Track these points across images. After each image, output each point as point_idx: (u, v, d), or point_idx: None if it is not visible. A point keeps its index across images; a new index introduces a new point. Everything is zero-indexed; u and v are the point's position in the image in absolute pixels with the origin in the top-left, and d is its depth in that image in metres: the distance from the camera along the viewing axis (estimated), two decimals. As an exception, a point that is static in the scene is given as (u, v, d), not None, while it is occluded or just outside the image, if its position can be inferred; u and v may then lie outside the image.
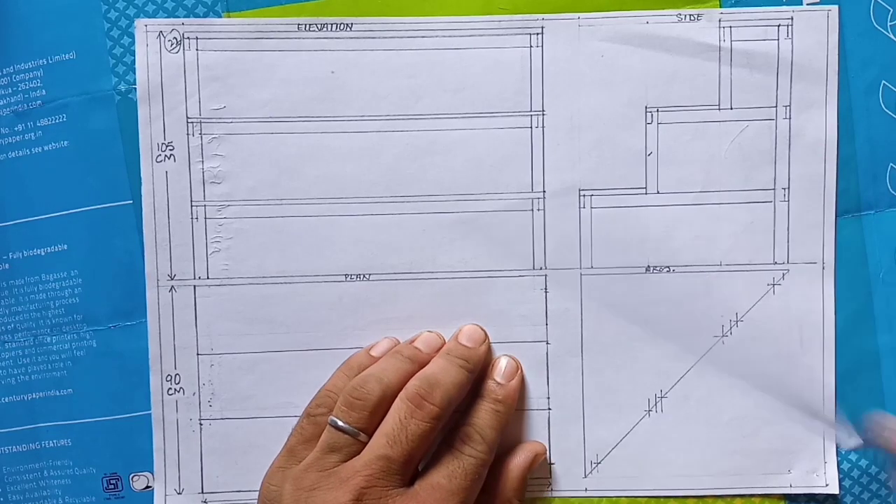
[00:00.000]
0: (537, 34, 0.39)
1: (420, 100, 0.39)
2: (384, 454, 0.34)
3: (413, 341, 0.39)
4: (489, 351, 0.39)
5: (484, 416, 0.37)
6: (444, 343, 0.39)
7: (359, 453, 0.34)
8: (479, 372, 0.38)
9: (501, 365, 0.39)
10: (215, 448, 0.39)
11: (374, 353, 0.38)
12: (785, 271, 0.39)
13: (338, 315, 0.39)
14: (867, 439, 0.38)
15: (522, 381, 0.39)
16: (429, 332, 0.39)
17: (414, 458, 0.35)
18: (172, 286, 0.39)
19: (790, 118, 0.39)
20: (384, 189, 0.39)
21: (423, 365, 0.37)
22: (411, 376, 0.36)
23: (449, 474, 0.35)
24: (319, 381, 0.38)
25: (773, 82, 0.39)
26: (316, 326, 0.39)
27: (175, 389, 0.39)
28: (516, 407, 0.39)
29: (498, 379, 0.38)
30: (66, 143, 0.39)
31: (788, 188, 0.39)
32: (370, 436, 0.35)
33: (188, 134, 0.39)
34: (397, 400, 0.35)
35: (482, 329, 0.39)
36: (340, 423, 0.35)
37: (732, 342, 0.39)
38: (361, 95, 0.39)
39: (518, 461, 0.38)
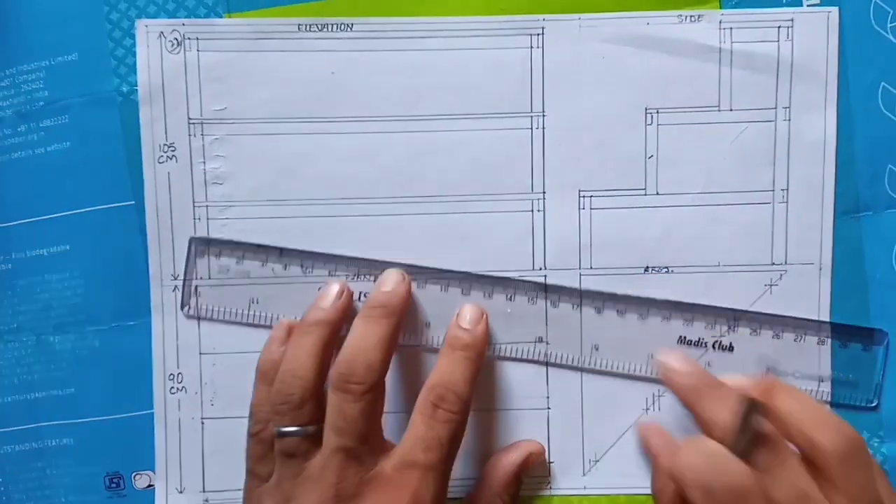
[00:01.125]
0: (538, 35, 0.39)
1: (420, 100, 0.39)
2: (337, 446, 0.33)
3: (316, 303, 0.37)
4: (410, 288, 0.38)
5: (454, 368, 0.35)
6: (349, 293, 0.37)
7: (316, 445, 0.34)
8: (403, 317, 0.37)
9: (465, 312, 0.37)
10: (217, 447, 0.39)
11: (273, 346, 0.37)
12: (783, 272, 0.39)
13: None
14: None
15: (488, 328, 0.38)
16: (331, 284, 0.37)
17: (369, 433, 0.33)
18: (175, 286, 0.39)
19: (790, 120, 0.39)
20: (385, 190, 0.39)
21: (334, 324, 0.36)
22: (327, 343, 0.35)
23: (425, 448, 0.33)
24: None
25: (772, 84, 0.39)
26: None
27: (177, 388, 0.40)
28: (515, 406, 0.39)
29: (464, 325, 0.37)
30: (68, 143, 0.39)
31: (787, 189, 0.39)
32: (318, 423, 0.34)
33: (190, 135, 0.39)
34: (328, 391, 0.34)
35: (402, 273, 0.38)
36: (283, 430, 0.34)
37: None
38: (362, 96, 0.39)
39: (510, 458, 0.38)
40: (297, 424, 0.34)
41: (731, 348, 0.39)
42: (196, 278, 0.39)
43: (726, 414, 0.33)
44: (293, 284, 0.39)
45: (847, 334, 0.39)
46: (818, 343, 0.39)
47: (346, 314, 0.37)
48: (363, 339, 0.35)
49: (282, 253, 0.39)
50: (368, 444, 0.33)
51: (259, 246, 0.39)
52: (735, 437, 0.33)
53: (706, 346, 0.39)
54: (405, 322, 0.38)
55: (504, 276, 0.39)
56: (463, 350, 0.36)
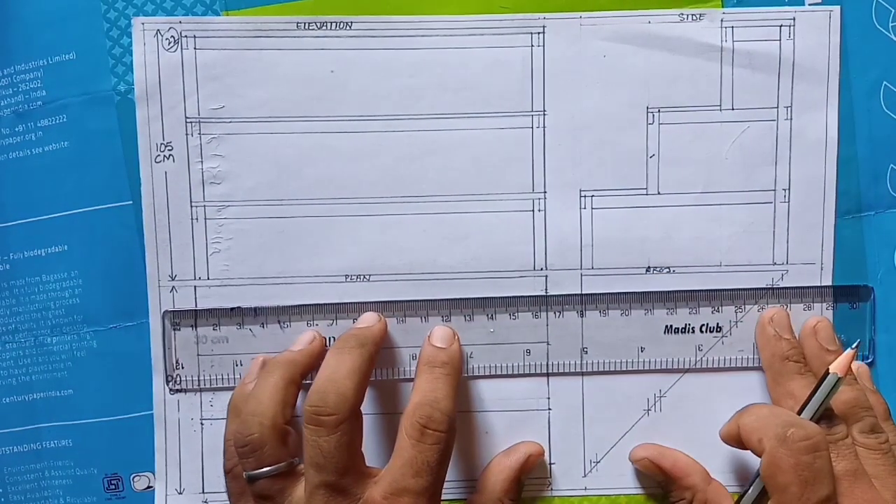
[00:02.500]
0: (538, 33, 0.39)
1: (420, 99, 0.39)
2: (319, 482, 0.32)
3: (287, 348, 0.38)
4: (385, 325, 0.38)
5: (435, 385, 0.35)
6: (321, 338, 0.38)
7: (292, 482, 0.33)
8: (379, 351, 0.37)
9: (436, 332, 0.37)
10: (216, 448, 0.39)
11: (247, 380, 0.37)
12: (784, 272, 0.39)
13: (338, 316, 0.39)
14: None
15: (461, 347, 0.38)
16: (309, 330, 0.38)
17: (350, 464, 0.33)
18: (173, 287, 0.39)
19: (791, 119, 0.39)
20: (384, 189, 0.39)
21: (300, 364, 0.36)
22: (291, 382, 0.35)
23: (415, 473, 0.32)
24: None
25: (774, 83, 0.39)
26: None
27: (176, 389, 0.39)
28: (516, 408, 0.39)
29: (437, 344, 0.37)
30: (66, 143, 0.39)
31: (789, 189, 0.39)
32: (288, 459, 0.34)
33: (187, 134, 0.39)
34: (304, 427, 0.33)
35: (378, 314, 0.38)
36: (251, 474, 0.33)
37: (732, 342, 0.39)
38: (361, 95, 0.39)
39: (509, 461, 0.38)
40: (262, 465, 0.33)
41: (718, 329, 0.39)
42: (176, 352, 0.39)
43: (804, 392, 0.36)
44: (274, 341, 0.39)
45: (833, 296, 0.39)
46: (805, 309, 0.39)
47: (315, 357, 0.37)
48: (334, 369, 0.34)
49: (256, 312, 0.39)
50: (351, 474, 0.33)
51: (232, 309, 0.39)
52: (809, 406, 0.35)
53: (693, 331, 0.39)
54: (391, 358, 0.39)
55: (481, 297, 0.39)
56: (441, 367, 0.36)
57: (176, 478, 0.40)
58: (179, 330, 0.39)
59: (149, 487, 0.40)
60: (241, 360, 0.39)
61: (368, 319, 0.38)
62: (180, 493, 0.40)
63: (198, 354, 0.39)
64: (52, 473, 0.40)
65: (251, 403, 0.34)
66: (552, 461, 0.40)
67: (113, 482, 0.40)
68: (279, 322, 0.39)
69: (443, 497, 0.34)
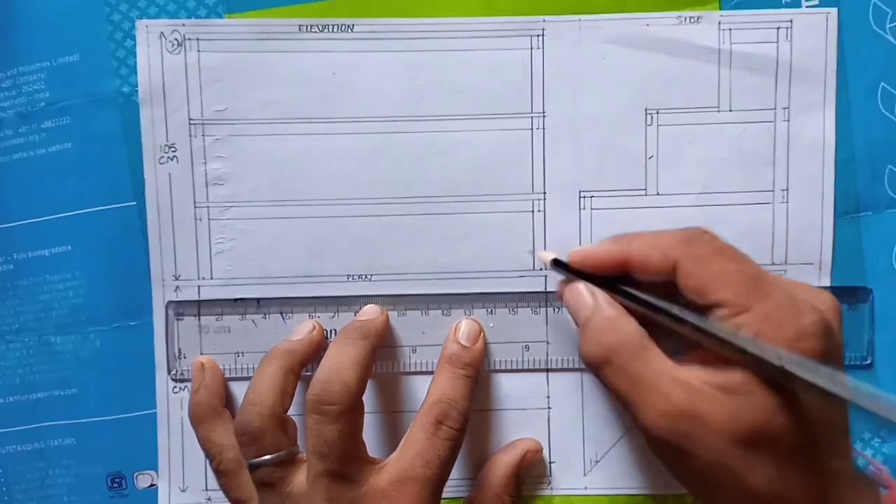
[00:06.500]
0: (538, 36, 0.39)
1: (421, 101, 0.39)
2: (321, 470, 0.33)
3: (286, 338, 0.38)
4: (388, 318, 0.39)
5: (454, 385, 0.35)
6: (321, 328, 0.38)
7: (293, 469, 0.34)
8: (381, 343, 0.37)
9: (463, 328, 0.38)
10: (219, 447, 0.40)
11: (194, 387, 0.38)
12: (783, 272, 0.39)
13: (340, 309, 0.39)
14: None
15: (486, 344, 0.39)
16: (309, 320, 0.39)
17: (352, 453, 0.33)
18: (177, 286, 0.39)
19: (789, 120, 0.39)
20: (386, 190, 0.39)
21: (298, 354, 0.36)
22: (290, 371, 0.35)
23: (425, 463, 0.33)
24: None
25: (772, 84, 0.39)
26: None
27: (180, 388, 0.40)
28: (516, 406, 0.40)
29: (462, 342, 0.37)
30: (69, 144, 0.39)
31: (787, 190, 0.39)
32: (288, 448, 0.34)
33: (191, 135, 0.39)
34: (306, 416, 0.33)
35: (380, 308, 0.39)
36: (252, 462, 0.34)
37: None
38: (363, 97, 0.39)
39: (508, 457, 0.38)
40: (262, 454, 0.34)
41: None
42: (178, 341, 0.39)
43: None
44: (275, 332, 0.39)
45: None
46: None
47: (314, 347, 0.37)
48: (337, 360, 0.34)
49: (259, 303, 0.39)
50: (353, 462, 0.33)
51: (236, 300, 0.39)
52: None
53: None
54: (392, 352, 0.39)
55: (481, 293, 0.39)
56: (462, 368, 0.36)
57: (179, 475, 0.40)
58: (182, 320, 0.39)
59: (152, 485, 0.40)
60: (243, 351, 0.39)
61: (371, 312, 0.38)
62: (183, 491, 0.40)
63: (200, 344, 0.39)
64: (55, 472, 0.40)
65: (250, 394, 0.35)
66: (552, 460, 0.40)
67: (116, 480, 0.40)
68: (281, 314, 0.39)
69: (443, 496, 0.34)
